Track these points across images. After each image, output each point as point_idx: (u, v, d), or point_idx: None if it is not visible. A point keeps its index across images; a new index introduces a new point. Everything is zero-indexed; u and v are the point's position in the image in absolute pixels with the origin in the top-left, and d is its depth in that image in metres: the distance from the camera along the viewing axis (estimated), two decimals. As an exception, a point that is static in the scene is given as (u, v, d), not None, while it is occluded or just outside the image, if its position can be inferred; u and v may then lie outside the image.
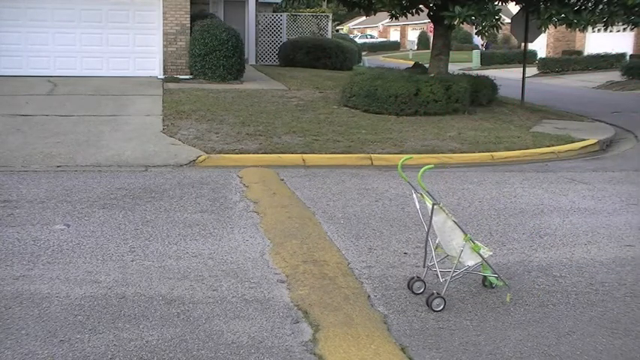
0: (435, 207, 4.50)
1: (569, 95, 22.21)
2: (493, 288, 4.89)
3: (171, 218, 6.41)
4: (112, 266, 5.12)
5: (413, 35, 60.43)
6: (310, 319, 4.28)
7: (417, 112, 12.70)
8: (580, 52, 37.44)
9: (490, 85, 14.90)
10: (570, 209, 7.25)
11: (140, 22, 15.64)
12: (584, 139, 11.81)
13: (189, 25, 15.55)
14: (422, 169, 4.59)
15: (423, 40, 53.59)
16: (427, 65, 15.98)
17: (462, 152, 10.17)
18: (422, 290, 4.76)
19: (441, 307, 4.51)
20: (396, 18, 15.19)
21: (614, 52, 33.25)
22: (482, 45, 44.50)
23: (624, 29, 15.50)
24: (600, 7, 13.60)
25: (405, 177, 4.78)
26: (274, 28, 24.55)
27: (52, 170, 8.32)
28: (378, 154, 9.78)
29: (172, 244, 5.67)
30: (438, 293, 4.54)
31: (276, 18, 24.69)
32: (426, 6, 15.05)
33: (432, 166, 5.22)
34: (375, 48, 58.53)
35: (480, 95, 14.27)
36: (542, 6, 13.73)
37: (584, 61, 34.00)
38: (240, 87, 14.86)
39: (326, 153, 9.67)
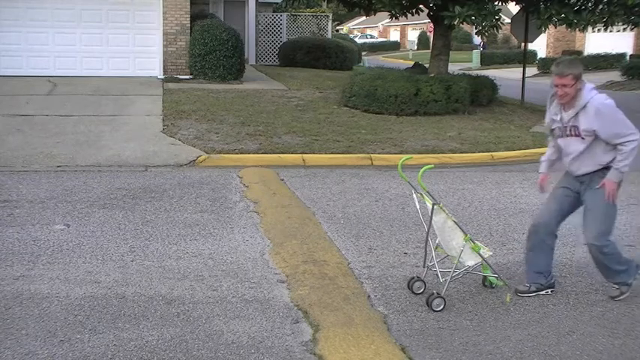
0: (435, 207, 4.50)
1: (569, 95, 22.18)
2: (493, 288, 4.89)
3: (171, 218, 6.41)
4: (112, 266, 5.12)
5: (413, 35, 60.45)
6: (310, 319, 4.28)
7: (417, 112, 12.70)
8: (580, 52, 37.46)
9: (490, 85, 14.90)
10: (570, 209, 7.24)
11: (140, 22, 15.64)
12: (584, 139, 11.79)
13: (189, 25, 15.55)
14: (422, 169, 4.60)
15: (423, 40, 53.62)
16: (427, 65, 15.98)
17: (462, 152, 10.17)
18: (422, 290, 4.76)
19: (441, 307, 4.51)
20: (396, 18, 15.20)
21: (614, 52, 33.26)
22: (480, 45, 44.46)
23: (624, 29, 15.52)
24: (600, 7, 13.62)
25: (404, 177, 4.78)
26: (274, 28, 24.55)
27: (52, 170, 8.32)
28: (378, 154, 9.78)
29: (172, 244, 5.67)
30: (437, 293, 4.54)
31: (276, 18, 24.69)
32: (426, 6, 15.06)
33: (432, 165, 5.23)
34: (375, 48, 58.53)
35: (480, 95, 14.27)
36: (542, 6, 13.73)
37: (584, 61, 33.87)
38: (240, 87, 14.86)
39: (326, 153, 9.67)
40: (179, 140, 9.87)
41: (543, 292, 4.80)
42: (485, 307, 4.60)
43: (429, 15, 15.30)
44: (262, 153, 9.48)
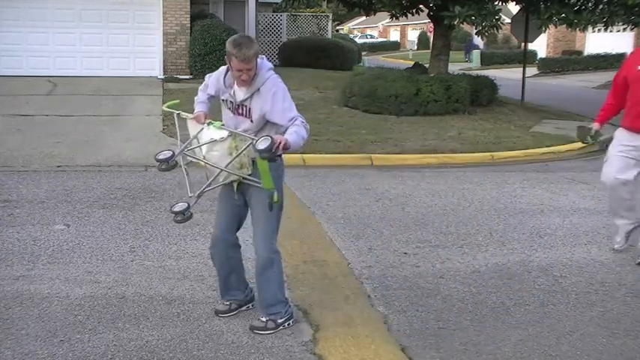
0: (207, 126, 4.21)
1: (570, 95, 22.19)
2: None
3: (171, 218, 6.39)
4: (112, 266, 5.12)
5: (413, 35, 60.39)
6: (310, 319, 4.28)
7: (417, 112, 12.69)
8: (580, 52, 37.42)
9: (490, 85, 14.89)
10: (570, 209, 7.25)
11: (140, 22, 15.64)
12: (584, 139, 11.79)
13: (189, 25, 15.55)
14: (168, 103, 4.43)
15: (423, 40, 53.55)
16: (427, 65, 15.98)
17: (462, 152, 10.17)
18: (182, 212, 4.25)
19: (184, 207, 4.25)
20: (396, 18, 15.19)
21: (614, 52, 33.22)
22: (466, 45, 43.89)
23: (624, 29, 15.50)
24: (600, 7, 13.61)
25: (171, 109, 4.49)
26: (274, 28, 24.54)
27: (52, 170, 8.32)
28: (378, 154, 9.77)
29: (172, 244, 5.67)
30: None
31: (276, 18, 24.68)
32: (426, 6, 15.05)
33: (177, 101, 4.94)
34: (375, 48, 58.47)
35: (480, 95, 14.25)
36: (543, 6, 13.73)
37: (584, 61, 33.97)
38: (240, 87, 14.83)
39: (326, 153, 9.66)
40: (179, 140, 9.85)
41: (244, 308, 4.30)
42: (485, 307, 4.59)
43: (429, 15, 15.30)
44: (262, 153, 9.45)
